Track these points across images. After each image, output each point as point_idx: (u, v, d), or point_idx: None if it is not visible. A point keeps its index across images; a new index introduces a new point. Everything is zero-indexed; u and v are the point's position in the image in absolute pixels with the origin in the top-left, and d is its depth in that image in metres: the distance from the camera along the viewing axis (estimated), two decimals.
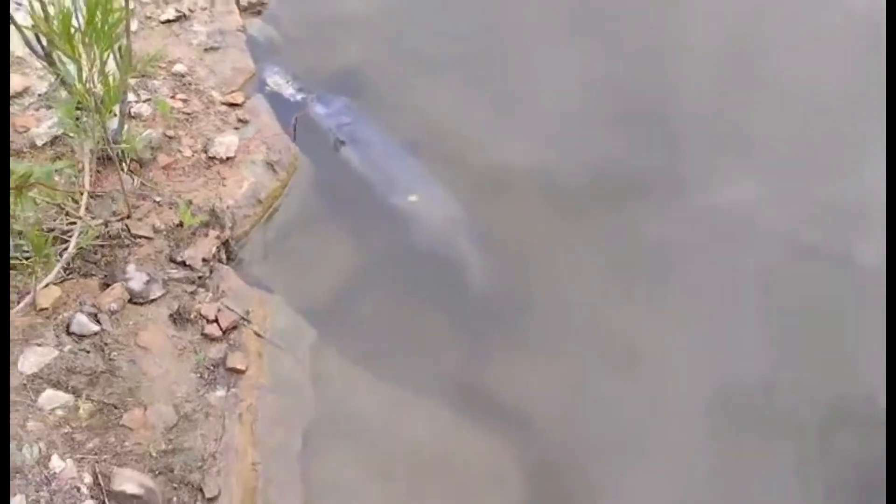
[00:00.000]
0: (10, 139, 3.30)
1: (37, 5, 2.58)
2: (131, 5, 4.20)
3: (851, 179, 4.13)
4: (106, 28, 2.48)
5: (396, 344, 3.43)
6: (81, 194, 3.03)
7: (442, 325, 3.49)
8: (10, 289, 3.00)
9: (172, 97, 3.93)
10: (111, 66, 3.01)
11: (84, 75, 2.65)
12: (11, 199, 2.15)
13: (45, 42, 3.11)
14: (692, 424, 3.31)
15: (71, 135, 3.02)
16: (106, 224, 3.23)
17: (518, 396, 3.37)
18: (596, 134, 4.25)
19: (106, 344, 2.98)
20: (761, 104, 4.50)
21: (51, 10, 2.60)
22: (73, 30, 2.45)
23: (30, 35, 3.10)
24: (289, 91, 4.29)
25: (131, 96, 3.80)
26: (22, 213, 2.46)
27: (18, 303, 2.92)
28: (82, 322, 2.98)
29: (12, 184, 2.10)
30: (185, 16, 4.40)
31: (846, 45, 4.71)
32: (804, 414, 3.33)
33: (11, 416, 2.68)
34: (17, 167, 2.15)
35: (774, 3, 5.06)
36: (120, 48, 3.02)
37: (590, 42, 4.66)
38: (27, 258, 2.88)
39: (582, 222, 3.90)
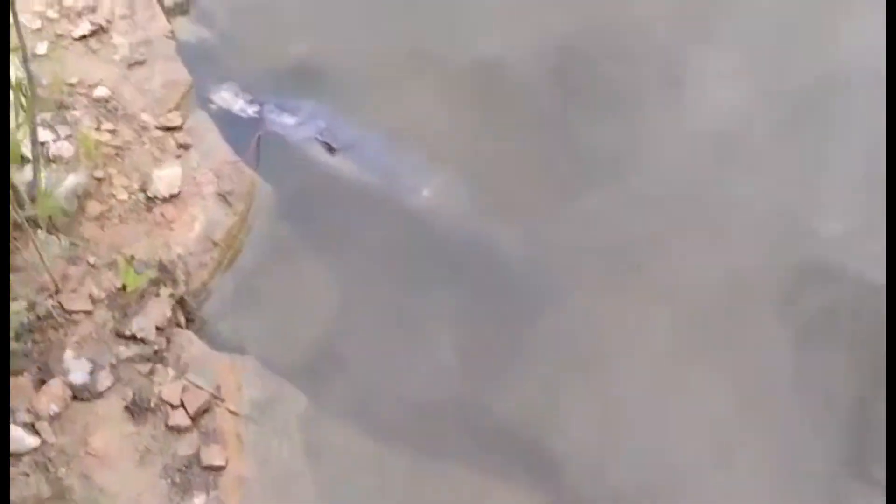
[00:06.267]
0: None
1: None
2: (37, 24, 3.71)
3: None
4: None
5: (404, 387, 2.92)
6: None
7: (459, 345, 3.02)
8: None
9: (97, 128, 3.33)
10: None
11: None
12: None
13: None
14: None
15: None
16: (31, 306, 2.66)
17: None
18: None
19: (49, 459, 2.47)
20: None
21: None
22: None
23: None
24: (238, 105, 3.67)
25: (47, 135, 3.21)
26: None
27: None
28: (17, 437, 2.44)
29: None
30: (102, 28, 3.74)
31: None
32: None
33: None
34: None
35: None
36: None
37: None
38: None
39: None
